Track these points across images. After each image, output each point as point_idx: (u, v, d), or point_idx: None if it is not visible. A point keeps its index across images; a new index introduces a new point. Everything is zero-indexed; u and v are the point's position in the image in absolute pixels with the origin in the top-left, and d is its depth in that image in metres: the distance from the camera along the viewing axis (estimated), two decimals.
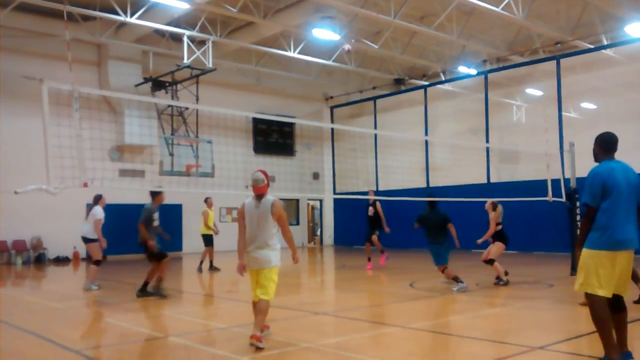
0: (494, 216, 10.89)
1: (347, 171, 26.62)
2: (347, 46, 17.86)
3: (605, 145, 5.27)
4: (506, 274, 11.06)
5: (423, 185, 23.55)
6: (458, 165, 22.24)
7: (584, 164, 14.68)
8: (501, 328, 7.64)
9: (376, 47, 21.05)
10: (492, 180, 21.30)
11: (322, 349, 6.22)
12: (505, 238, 10.97)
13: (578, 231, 12.64)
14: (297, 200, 27.10)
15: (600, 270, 4.91)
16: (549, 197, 12.43)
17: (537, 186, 13.92)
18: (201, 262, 15.07)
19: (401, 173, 23.59)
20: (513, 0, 16.72)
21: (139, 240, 9.93)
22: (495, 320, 8.20)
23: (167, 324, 8.29)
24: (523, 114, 22.77)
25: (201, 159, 20.20)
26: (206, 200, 15.34)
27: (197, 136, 21.23)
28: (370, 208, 14.98)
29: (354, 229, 26.33)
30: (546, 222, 18.00)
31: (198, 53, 19.21)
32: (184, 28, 18.84)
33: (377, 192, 23.94)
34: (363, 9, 17.43)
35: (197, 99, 20.75)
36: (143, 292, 10.00)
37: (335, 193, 27.21)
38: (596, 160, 5.28)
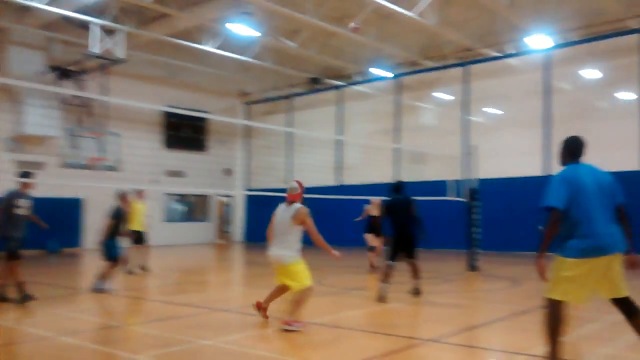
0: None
1: (260, 168, 26.53)
2: (354, 25, 16.11)
3: (572, 148, 5.10)
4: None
5: (335, 183, 23.87)
6: (370, 165, 22.75)
7: (486, 166, 15.51)
8: (396, 322, 7.86)
9: (294, 45, 21.08)
10: (402, 179, 21.90)
11: (221, 345, 6.16)
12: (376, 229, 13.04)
13: (475, 229, 13.31)
14: (208, 197, 26.70)
15: (572, 278, 4.66)
16: (452, 197, 12.93)
17: (442, 186, 14.47)
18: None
19: (314, 171, 23.81)
20: (426, 7, 17.24)
21: None
22: (391, 314, 8.42)
23: (58, 323, 7.88)
24: (433, 116, 23.60)
25: (108, 152, 19.42)
26: (138, 193, 13.61)
27: (104, 128, 20.39)
28: None
29: (265, 225, 26.26)
30: (449, 221, 18.73)
31: (109, 43, 18.44)
32: (94, 16, 18.01)
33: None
34: (281, 7, 17.39)
35: (106, 90, 19.92)
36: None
37: (247, 189, 27.04)
38: (562, 164, 5.10)
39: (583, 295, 4.76)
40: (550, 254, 4.75)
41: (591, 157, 16.59)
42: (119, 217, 10.44)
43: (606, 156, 17.36)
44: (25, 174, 9.18)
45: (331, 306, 9.30)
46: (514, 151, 19.47)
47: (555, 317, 4.73)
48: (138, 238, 13.16)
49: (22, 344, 6.50)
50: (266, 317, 7.38)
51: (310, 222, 6.95)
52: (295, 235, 6.91)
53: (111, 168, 19.36)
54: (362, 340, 6.55)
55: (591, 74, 19.28)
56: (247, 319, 7.98)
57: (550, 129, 18.84)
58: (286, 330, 6.50)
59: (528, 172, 18.96)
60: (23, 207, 8.83)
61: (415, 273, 9.46)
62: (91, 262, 13.71)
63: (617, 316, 4.80)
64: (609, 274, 4.66)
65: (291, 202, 7.01)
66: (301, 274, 6.83)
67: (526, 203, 18.70)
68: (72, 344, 6.38)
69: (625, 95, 18.76)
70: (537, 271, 4.70)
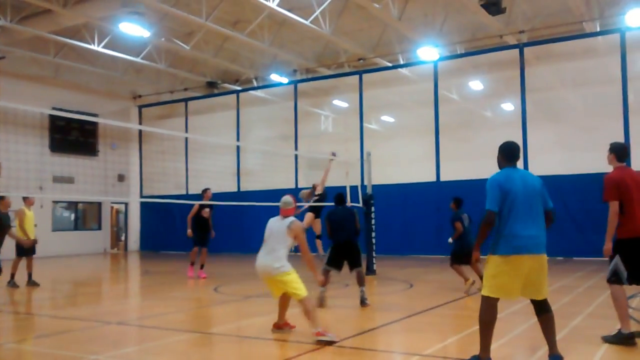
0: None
1: (155, 174, 25.67)
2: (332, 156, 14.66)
3: (507, 153, 5.30)
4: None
5: (234, 189, 23.62)
6: (268, 171, 22.73)
7: (380, 172, 16.01)
8: (298, 328, 7.88)
9: (187, 47, 20.64)
10: (300, 185, 22.09)
11: None
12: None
13: (372, 234, 13.67)
14: (100, 204, 25.43)
15: (504, 275, 4.95)
16: (348, 203, 13.20)
17: (341, 192, 14.75)
18: (12, 275, 12.13)
19: (212, 177, 23.39)
20: (321, 15, 17.55)
21: None
22: (291, 320, 8.44)
23: None
24: (330, 123, 24.03)
25: None
26: (25, 199, 12.49)
27: None
28: (207, 209, 13.51)
29: (161, 233, 25.47)
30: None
31: None
32: None
33: (187, 197, 23.42)
34: (173, 8, 16.98)
35: None
36: None
37: (142, 196, 26.07)
38: (499, 167, 5.34)
39: (513, 292, 5.02)
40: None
41: (478, 164, 17.59)
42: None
43: (492, 163, 18.59)
44: None
45: (229, 315, 9.17)
46: (408, 158, 20.27)
47: (489, 313, 5.04)
48: (29, 248, 12.20)
49: None
50: (292, 326, 7.19)
51: (303, 237, 6.94)
52: (286, 248, 6.80)
53: None
54: (260, 348, 6.52)
55: (475, 85, 20.53)
56: (142, 332, 7.68)
57: (439, 137, 19.81)
58: (322, 342, 6.20)
59: (421, 178, 19.80)
60: None
61: (360, 282, 9.24)
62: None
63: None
64: (531, 274, 4.98)
65: (285, 216, 6.98)
66: (295, 283, 6.64)
67: (419, 207, 19.54)
68: None
69: (507, 106, 20.16)
70: (471, 264, 5.13)
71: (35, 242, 12.29)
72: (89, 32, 19.76)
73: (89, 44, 19.85)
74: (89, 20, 18.07)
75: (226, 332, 7.54)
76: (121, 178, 26.08)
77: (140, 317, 8.86)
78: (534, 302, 5.17)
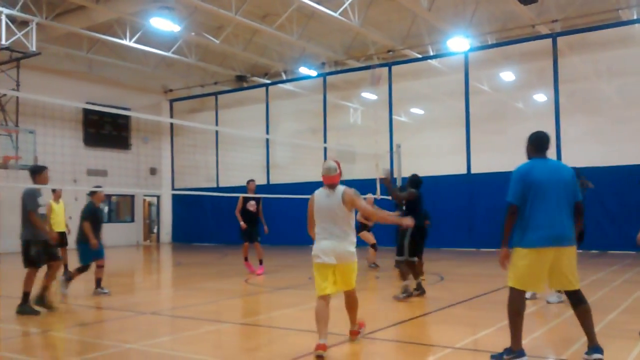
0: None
1: (186, 167, 26.00)
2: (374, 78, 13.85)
3: (537, 143, 5.27)
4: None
5: (264, 182, 23.76)
6: (297, 164, 22.80)
7: (410, 164, 15.92)
8: (333, 318, 7.91)
9: (217, 42, 20.78)
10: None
11: (146, 349, 5.97)
12: None
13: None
14: (133, 196, 25.86)
15: (528, 266, 4.91)
16: (377, 195, 13.17)
17: (368, 184, 14.72)
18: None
19: (242, 170, 23.57)
20: (350, 6, 17.47)
21: None
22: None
23: None
24: (359, 116, 23.95)
25: (22, 150, 18.40)
26: (54, 191, 12.51)
27: (17, 125, 19.30)
28: (252, 202, 12.81)
29: (193, 225, 25.81)
30: None
31: (19, 34, 17.46)
32: (2, 5, 17.00)
33: (218, 189, 23.68)
34: (203, 2, 17.10)
35: (18, 85, 18.87)
36: None
37: (174, 189, 26.43)
38: (528, 158, 5.31)
39: (539, 284, 5.03)
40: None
41: (509, 156, 17.29)
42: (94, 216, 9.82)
43: (524, 155, 18.39)
44: None
45: (259, 306, 9.25)
46: (438, 150, 20.09)
47: (516, 304, 5.00)
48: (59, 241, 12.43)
49: None
50: (363, 324, 6.30)
51: (361, 202, 5.85)
52: (352, 225, 5.82)
53: (26, 167, 18.35)
54: (294, 339, 6.56)
55: (507, 76, 20.20)
56: (174, 322, 7.80)
57: (470, 129, 19.58)
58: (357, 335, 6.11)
59: (451, 170, 19.62)
60: None
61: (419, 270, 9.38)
62: (9, 266, 12.95)
63: None
64: (558, 265, 4.92)
65: (332, 186, 5.84)
66: (355, 274, 5.90)
67: (450, 200, 19.37)
68: None
69: (540, 97, 19.79)
70: (499, 261, 5.03)
71: (63, 234, 12.29)
72: (121, 27, 20.06)
73: (121, 39, 20.15)
74: (121, 15, 18.34)
75: (257, 322, 7.61)
76: (153, 171, 26.47)
77: (173, 308, 9.00)
78: (568, 293, 5.10)
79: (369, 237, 13.22)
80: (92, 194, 10.20)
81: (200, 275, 13.54)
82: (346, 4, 17.18)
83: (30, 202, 8.17)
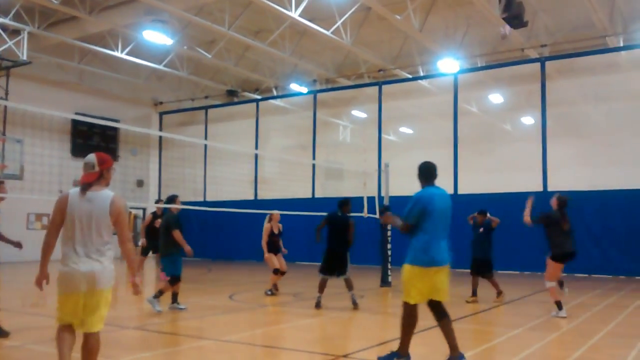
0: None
1: (174, 180, 25.88)
2: (505, 30, 14.34)
3: (427, 173, 5.85)
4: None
5: (251, 197, 23.72)
6: (286, 179, 22.81)
7: (398, 183, 15.98)
8: (312, 337, 7.88)
9: (209, 56, 20.85)
10: (317, 195, 22.13)
11: None
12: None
13: (388, 245, 13.65)
14: None
15: (418, 283, 5.57)
16: (364, 213, 13.19)
17: (355, 202, 14.76)
18: None
19: (230, 184, 23.54)
20: (342, 25, 17.63)
21: None
22: (307, 330, 8.44)
23: None
24: (348, 133, 24.06)
25: (8, 159, 18.25)
26: None
27: (4, 134, 19.16)
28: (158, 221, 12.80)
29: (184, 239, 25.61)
30: (360, 237, 19.09)
31: (10, 43, 17.43)
32: None
33: (205, 203, 23.60)
34: (197, 17, 17.18)
35: (7, 93, 18.78)
36: None
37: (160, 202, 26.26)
38: (421, 186, 5.84)
39: (423, 299, 5.66)
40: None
41: (496, 178, 17.46)
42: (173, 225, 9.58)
43: (510, 177, 18.58)
44: None
45: (245, 322, 9.18)
46: None
47: (411, 317, 5.66)
48: None
49: None
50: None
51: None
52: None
53: (12, 176, 18.21)
54: (277, 357, 6.51)
55: (496, 98, 20.43)
56: (158, 337, 7.72)
57: (457, 150, 19.73)
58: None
59: None
60: None
61: (350, 287, 9.86)
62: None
63: None
64: (436, 281, 5.59)
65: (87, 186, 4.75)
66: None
67: None
68: None
69: (527, 120, 20.02)
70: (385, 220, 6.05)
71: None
72: (113, 39, 20.07)
73: (113, 50, 20.15)
74: (113, 27, 18.36)
75: (241, 340, 7.54)
76: (140, 183, 26.32)
77: (156, 323, 8.89)
78: (432, 307, 5.69)
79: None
80: (169, 201, 9.91)
81: (183, 290, 13.39)
82: (338, 23, 17.34)
83: None
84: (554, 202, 9.12)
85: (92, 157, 4.81)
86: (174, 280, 9.49)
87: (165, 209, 9.49)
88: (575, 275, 16.32)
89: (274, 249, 11.97)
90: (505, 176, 18.30)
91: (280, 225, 12.26)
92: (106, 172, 4.78)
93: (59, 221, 4.59)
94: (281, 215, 15.67)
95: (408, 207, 5.67)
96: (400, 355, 5.71)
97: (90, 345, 4.60)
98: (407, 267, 5.62)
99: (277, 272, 11.72)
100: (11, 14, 17.24)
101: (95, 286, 4.50)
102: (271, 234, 11.94)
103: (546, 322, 8.61)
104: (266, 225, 12.00)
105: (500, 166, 18.88)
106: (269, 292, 11.72)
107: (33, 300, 11.99)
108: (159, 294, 9.43)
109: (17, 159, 18.40)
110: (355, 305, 9.66)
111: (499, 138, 19.93)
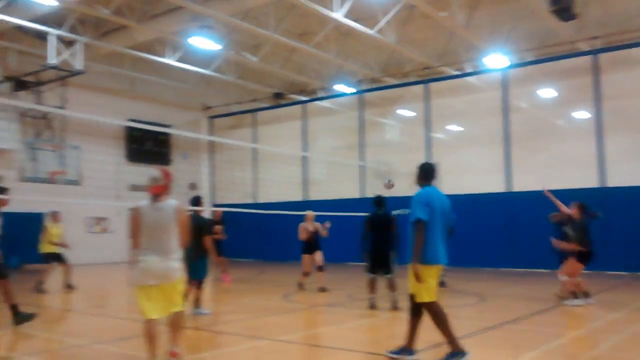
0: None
1: (224, 183, 26.34)
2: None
3: (428, 173, 6.06)
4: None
5: (300, 198, 23.90)
6: (334, 180, 22.90)
7: (447, 182, 15.82)
8: (366, 338, 7.92)
9: (255, 60, 21.13)
10: (367, 195, 22.11)
11: None
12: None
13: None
14: None
15: (432, 281, 5.78)
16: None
17: (405, 201, 14.70)
18: (41, 283, 12.82)
19: (279, 186, 23.80)
20: (386, 25, 17.56)
21: None
22: (364, 331, 8.48)
23: (19, 342, 7.64)
24: (396, 133, 23.94)
25: (67, 165, 18.99)
26: (53, 214, 13.38)
27: (63, 141, 19.94)
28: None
29: (230, 241, 26.04)
30: (406, 235, 18.97)
31: (66, 54, 18.11)
32: (51, 26, 17.67)
33: (254, 205, 23.92)
34: (242, 21, 17.44)
35: (65, 102, 19.54)
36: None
37: (213, 205, 26.77)
38: (420, 185, 6.05)
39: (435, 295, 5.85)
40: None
41: (550, 174, 17.08)
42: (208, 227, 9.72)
43: (564, 173, 18.13)
44: (1, 190, 8.79)
45: (300, 323, 9.28)
46: (475, 168, 19.90)
47: (441, 313, 5.82)
48: (57, 258, 13.09)
49: None
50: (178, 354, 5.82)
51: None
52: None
53: (72, 182, 18.95)
54: (333, 358, 6.57)
55: (547, 93, 19.94)
56: (215, 337, 7.89)
57: (510, 147, 19.36)
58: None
59: (490, 189, 19.40)
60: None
61: (392, 288, 9.70)
62: (52, 279, 13.32)
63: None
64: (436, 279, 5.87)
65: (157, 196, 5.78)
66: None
67: (488, 219, 19.13)
68: None
69: (581, 114, 19.46)
70: (416, 275, 5.70)
71: (55, 254, 13.03)
72: (162, 46, 20.59)
73: (163, 57, 20.67)
74: (162, 35, 18.83)
75: (296, 340, 7.64)
76: (193, 187, 26.89)
77: (213, 323, 9.09)
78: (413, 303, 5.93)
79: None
80: (195, 203, 9.72)
81: (238, 291, 13.66)
82: (382, 22, 17.28)
83: None
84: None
85: (157, 172, 5.80)
86: (200, 284, 9.40)
87: (195, 212, 9.57)
88: (627, 274, 15.82)
89: (309, 248, 12.69)
90: (559, 172, 17.87)
91: (318, 224, 12.86)
92: (169, 184, 5.73)
93: (136, 228, 5.56)
94: (331, 216, 15.82)
95: (415, 207, 5.79)
96: (456, 352, 5.74)
97: (175, 320, 5.64)
98: (420, 268, 5.71)
99: (307, 274, 12.75)
100: (67, 26, 17.92)
101: (167, 279, 5.48)
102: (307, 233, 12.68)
103: (560, 317, 8.38)
104: (301, 225, 12.76)
105: (554, 162, 18.43)
106: (299, 286, 12.76)
107: (96, 302, 12.47)
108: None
109: (76, 165, 19.09)
110: (394, 308, 9.52)
111: (551, 134, 19.41)
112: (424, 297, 5.81)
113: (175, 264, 5.55)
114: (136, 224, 5.56)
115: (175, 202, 5.66)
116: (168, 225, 5.51)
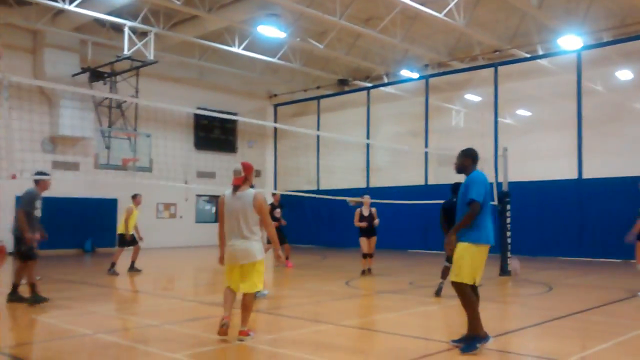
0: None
1: (289, 169, 26.66)
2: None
3: (476, 157, 6.19)
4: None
5: (363, 185, 23.87)
6: (398, 167, 22.70)
7: (516, 168, 15.36)
8: (430, 325, 7.86)
9: (321, 46, 21.16)
10: (430, 182, 21.81)
11: (258, 346, 6.22)
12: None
13: (507, 233, 13.20)
14: None
15: (478, 262, 5.84)
16: None
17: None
18: (113, 264, 13.19)
19: (342, 173, 23.85)
20: (455, 7, 17.15)
21: (14, 230, 8.68)
22: (425, 317, 8.42)
23: (97, 321, 8.07)
24: (462, 118, 23.42)
25: (139, 153, 19.77)
26: (135, 197, 13.65)
27: (135, 129, 20.76)
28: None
29: (293, 227, 26.39)
30: None
31: (139, 44, 18.76)
32: (125, 18, 18.36)
33: (318, 191, 24.10)
34: (308, 8, 17.48)
35: (137, 92, 20.30)
36: (14, 295, 8.87)
37: (277, 191, 27.20)
38: (464, 170, 6.15)
39: (479, 277, 5.93)
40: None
41: (625, 160, 16.29)
42: None
43: None
44: (42, 174, 9.19)
45: (361, 308, 9.32)
46: (546, 154, 19.20)
47: (472, 295, 5.88)
48: (132, 241, 13.54)
49: (62, 340, 6.68)
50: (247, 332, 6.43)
51: (267, 208, 6.62)
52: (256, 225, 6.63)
53: (143, 169, 19.71)
54: (395, 343, 6.57)
55: (624, 74, 18.93)
56: (278, 320, 8.05)
57: (582, 132, 18.55)
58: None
59: (560, 175, 18.69)
60: (39, 209, 8.89)
61: (443, 274, 9.56)
62: (126, 261, 13.95)
63: None
64: (484, 260, 5.94)
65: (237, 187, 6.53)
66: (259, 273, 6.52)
67: (558, 206, 18.46)
68: (110, 342, 6.54)
69: None
70: (449, 248, 5.93)
71: (132, 236, 13.49)
72: (230, 35, 20.98)
73: (230, 46, 21.07)
74: (230, 24, 19.19)
75: (358, 325, 7.69)
76: (257, 174, 27.38)
77: (276, 307, 9.27)
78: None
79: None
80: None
81: (300, 276, 13.85)
82: (451, 4, 16.88)
83: (26, 202, 8.74)
84: None
85: (238, 166, 6.42)
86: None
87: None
88: None
89: (365, 232, 13.03)
90: (635, 158, 16.97)
91: (374, 209, 13.20)
92: (249, 175, 6.38)
93: (221, 215, 6.40)
94: (394, 204, 15.76)
95: (473, 187, 5.85)
96: (481, 337, 5.80)
97: (245, 302, 6.31)
98: (470, 247, 5.78)
99: (365, 256, 13.07)
100: (140, 17, 18.57)
101: (248, 259, 6.21)
102: (361, 218, 12.99)
103: (635, 310, 7.95)
104: (357, 210, 13.20)
105: (629, 147, 17.52)
106: (362, 272, 13.08)
107: (165, 285, 12.97)
108: None
109: (147, 152, 19.83)
110: (437, 294, 9.57)
111: (628, 117, 18.43)
112: (464, 278, 5.81)
113: (256, 246, 6.23)
114: (221, 211, 6.40)
115: (253, 191, 6.30)
116: (247, 212, 6.20)
